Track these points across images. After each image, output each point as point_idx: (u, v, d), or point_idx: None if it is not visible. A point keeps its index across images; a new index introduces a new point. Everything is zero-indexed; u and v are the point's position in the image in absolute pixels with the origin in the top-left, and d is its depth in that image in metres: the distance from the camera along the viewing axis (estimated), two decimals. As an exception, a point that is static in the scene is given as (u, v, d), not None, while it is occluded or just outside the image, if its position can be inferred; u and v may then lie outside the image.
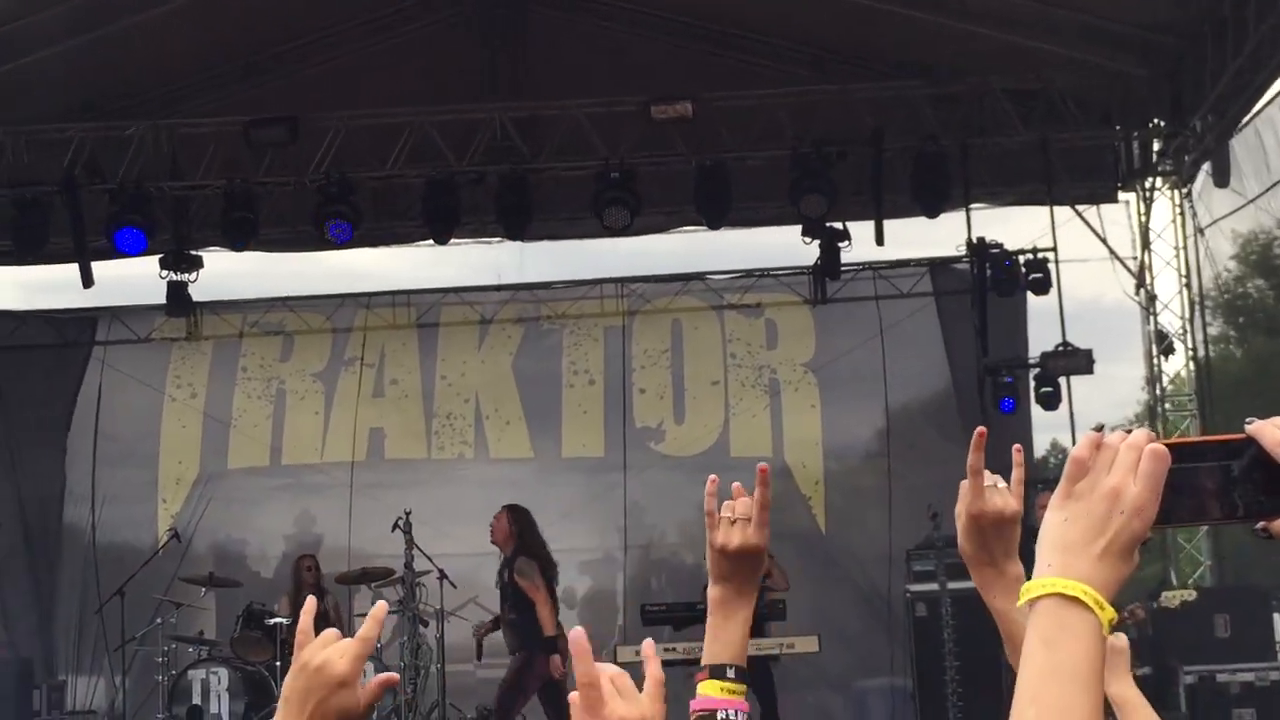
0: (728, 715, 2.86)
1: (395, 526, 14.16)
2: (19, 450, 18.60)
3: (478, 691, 16.42)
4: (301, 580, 15.26)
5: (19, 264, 18.06)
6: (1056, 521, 1.92)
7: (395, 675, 2.82)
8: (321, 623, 10.16)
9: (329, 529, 18.22)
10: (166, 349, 19.24)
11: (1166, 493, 1.89)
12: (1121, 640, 3.40)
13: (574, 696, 2.29)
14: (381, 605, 2.82)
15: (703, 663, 2.92)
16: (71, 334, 19.37)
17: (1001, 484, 2.93)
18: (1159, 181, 18.17)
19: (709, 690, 2.88)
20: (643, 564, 18.66)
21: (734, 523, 3.05)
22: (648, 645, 2.47)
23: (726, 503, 3.08)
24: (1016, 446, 3.07)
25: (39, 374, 18.95)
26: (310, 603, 2.84)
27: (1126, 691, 3.16)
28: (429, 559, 14.73)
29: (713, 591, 3.03)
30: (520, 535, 13.73)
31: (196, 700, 14.68)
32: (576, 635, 2.30)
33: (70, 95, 16.81)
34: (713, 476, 3.10)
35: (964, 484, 2.93)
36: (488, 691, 16.35)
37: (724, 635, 2.98)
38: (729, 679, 2.89)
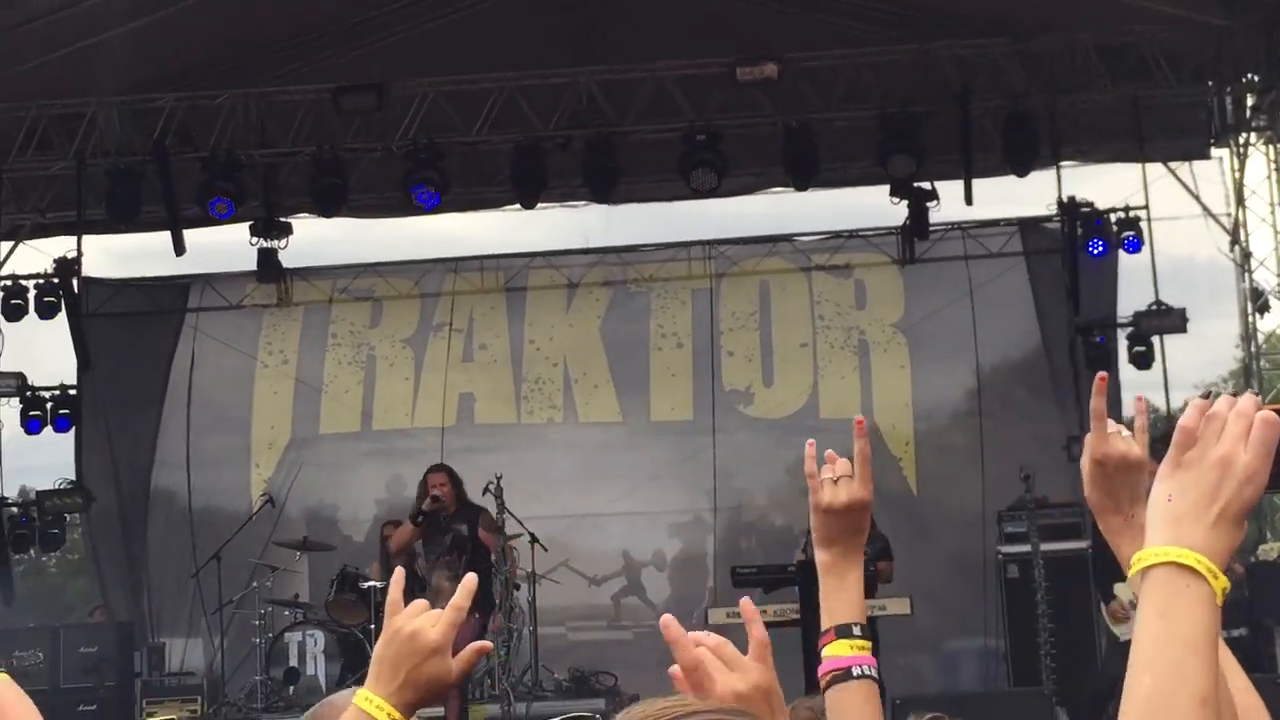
0: (862, 670, 2.88)
1: (486, 490, 14.22)
2: (113, 417, 18.81)
3: (569, 654, 16.53)
4: (386, 547, 15.37)
5: (112, 232, 18.27)
6: (1167, 491, 1.92)
7: (488, 644, 2.85)
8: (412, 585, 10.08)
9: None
10: (258, 316, 19.40)
11: (1276, 457, 1.89)
12: None
13: (676, 671, 2.31)
14: (471, 576, 2.85)
15: (825, 626, 2.93)
16: (164, 301, 19.56)
17: (1125, 432, 2.90)
18: (1253, 137, 17.91)
19: (838, 650, 2.90)
20: (732, 526, 18.65)
21: (836, 481, 3.05)
22: (746, 605, 2.47)
23: (825, 465, 3.08)
24: (1138, 396, 3.05)
25: (133, 341, 19.16)
26: (399, 573, 2.88)
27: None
28: (520, 522, 14.81)
29: (822, 557, 3.04)
30: (461, 496, 13.59)
31: (293, 662, 14.86)
32: (667, 621, 2.35)
33: (160, 65, 16.96)
34: (810, 440, 3.11)
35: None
36: (579, 654, 16.49)
37: (842, 597, 2.99)
38: (856, 636, 2.91)
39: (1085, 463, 2.87)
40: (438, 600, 10.39)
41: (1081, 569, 13.93)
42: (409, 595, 2.80)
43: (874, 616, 13.91)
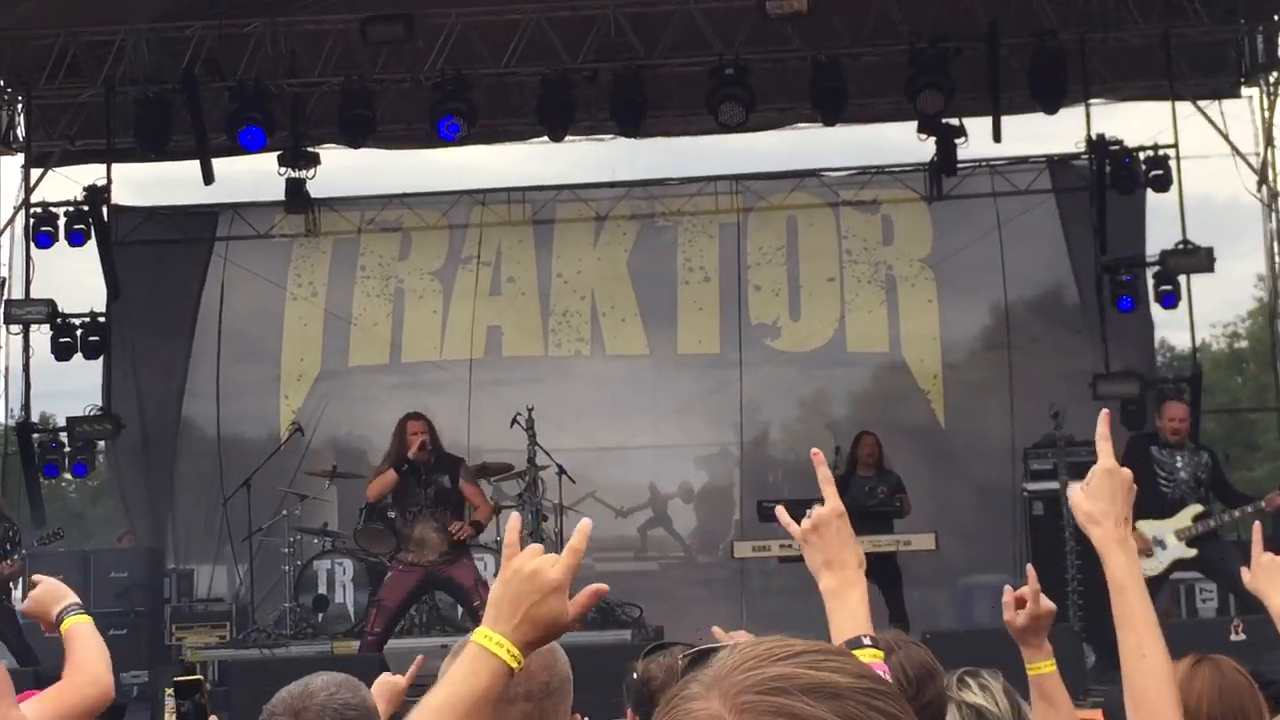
0: None
1: (514, 422, 14.30)
2: (141, 345, 18.92)
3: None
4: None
5: (141, 160, 18.31)
6: None
7: (605, 586, 2.93)
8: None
9: (448, 425, 18.22)
10: (288, 248, 19.47)
11: None
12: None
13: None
14: (587, 522, 2.91)
15: (835, 643, 3.06)
16: (193, 230, 19.61)
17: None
18: (1284, 76, 17.82)
19: None
20: (758, 459, 18.73)
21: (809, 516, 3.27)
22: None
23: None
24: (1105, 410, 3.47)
25: (162, 269, 19.23)
26: (515, 519, 2.96)
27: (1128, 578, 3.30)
28: (548, 454, 14.89)
29: (823, 584, 3.22)
30: (438, 445, 13.11)
31: (322, 590, 15.02)
32: None
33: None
34: (779, 507, 3.43)
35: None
36: (607, 584, 16.56)
37: (845, 616, 3.16)
38: (866, 646, 3.04)
39: (1097, 472, 3.16)
40: (423, 551, 10.32)
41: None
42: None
43: (896, 552, 14.02)
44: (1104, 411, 3.38)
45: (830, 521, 3.22)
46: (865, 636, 3.07)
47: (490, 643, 2.75)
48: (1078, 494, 3.24)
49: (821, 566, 3.22)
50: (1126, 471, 3.22)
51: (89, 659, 4.43)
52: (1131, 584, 3.14)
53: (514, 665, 2.74)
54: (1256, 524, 4.39)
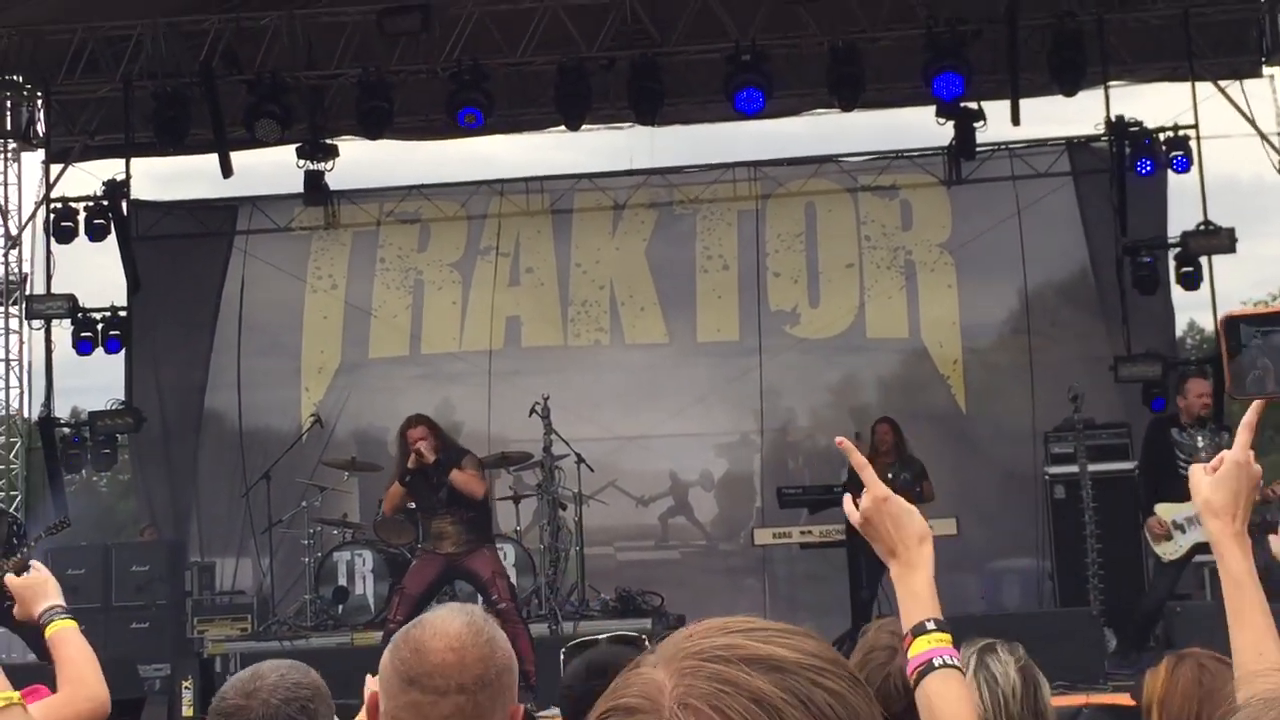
0: (943, 660, 3.02)
1: (533, 412, 14.28)
2: (162, 339, 18.95)
3: (617, 574, 16.64)
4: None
5: (160, 155, 18.34)
6: None
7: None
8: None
9: (468, 416, 18.40)
10: (307, 240, 19.50)
11: None
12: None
13: None
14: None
15: (904, 631, 3.10)
16: (213, 223, 19.66)
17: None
18: (1305, 54, 17.72)
19: (919, 648, 3.05)
20: (779, 447, 18.71)
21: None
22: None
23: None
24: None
25: (182, 263, 19.26)
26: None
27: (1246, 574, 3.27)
28: (566, 444, 14.86)
29: (892, 571, 3.20)
30: (445, 443, 12.73)
31: (342, 581, 15.03)
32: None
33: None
34: (847, 495, 3.39)
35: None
36: (626, 574, 16.60)
37: (911, 602, 3.14)
38: (930, 631, 3.05)
39: (1228, 463, 3.10)
40: (440, 544, 10.44)
41: (1128, 490, 13.93)
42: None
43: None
44: (1257, 402, 3.32)
45: (876, 509, 3.19)
46: (930, 621, 3.06)
47: None
48: (1200, 478, 3.18)
49: (886, 555, 3.20)
50: (1258, 468, 3.17)
51: (84, 673, 4.35)
52: (1248, 580, 3.08)
53: None
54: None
